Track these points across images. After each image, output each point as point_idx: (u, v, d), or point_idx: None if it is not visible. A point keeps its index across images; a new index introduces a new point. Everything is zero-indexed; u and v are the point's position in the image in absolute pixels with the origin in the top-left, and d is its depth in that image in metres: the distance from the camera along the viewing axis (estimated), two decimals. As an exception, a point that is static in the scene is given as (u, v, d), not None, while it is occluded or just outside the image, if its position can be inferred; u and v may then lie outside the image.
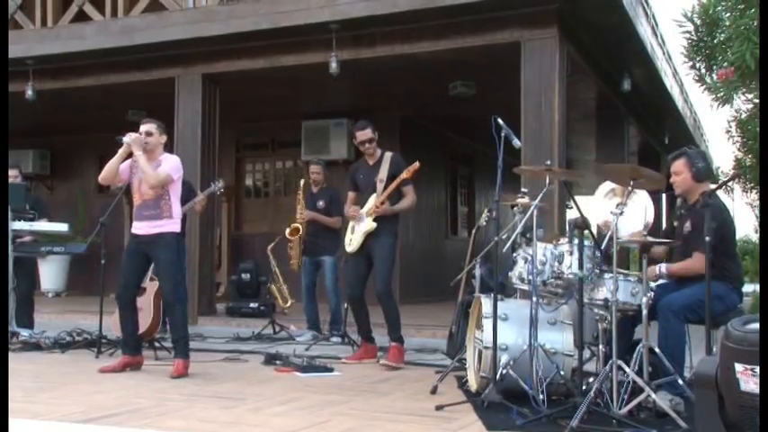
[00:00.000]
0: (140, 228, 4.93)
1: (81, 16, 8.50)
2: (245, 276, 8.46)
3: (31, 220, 6.09)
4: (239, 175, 11.38)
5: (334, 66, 7.30)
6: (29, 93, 8.52)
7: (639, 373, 3.58)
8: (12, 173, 6.64)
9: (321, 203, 6.76)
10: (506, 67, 7.02)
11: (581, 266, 3.64)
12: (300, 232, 6.65)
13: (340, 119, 10.02)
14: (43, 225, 6.25)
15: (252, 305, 8.24)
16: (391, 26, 7.16)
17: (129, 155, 4.93)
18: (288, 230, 6.72)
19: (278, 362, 5.20)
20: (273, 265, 7.64)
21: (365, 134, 5.34)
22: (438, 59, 7.52)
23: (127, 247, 5.13)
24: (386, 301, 5.19)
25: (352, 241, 5.32)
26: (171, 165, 4.96)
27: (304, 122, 10.23)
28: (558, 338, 3.98)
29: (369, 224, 5.24)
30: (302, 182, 6.88)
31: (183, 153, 7.82)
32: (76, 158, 12.02)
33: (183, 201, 6.48)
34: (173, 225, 4.93)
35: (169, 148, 5.32)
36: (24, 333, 5.93)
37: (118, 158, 4.91)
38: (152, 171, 4.86)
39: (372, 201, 5.27)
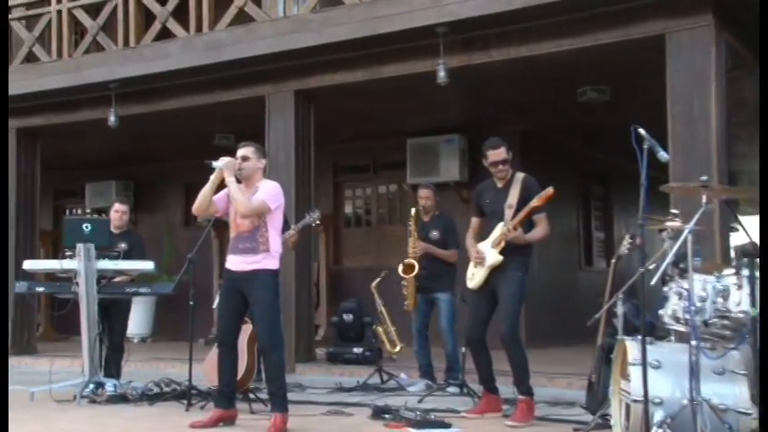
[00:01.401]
0: (235, 263, 5.05)
1: (164, 33, 8.95)
2: (348, 317, 8.54)
3: (116, 258, 6.42)
4: (338, 201, 11.57)
5: (442, 74, 7.33)
6: (112, 119, 9.03)
7: None
8: (121, 208, 7.03)
9: (435, 233, 6.76)
10: (647, 65, 6.82)
11: (753, 303, 3.45)
12: (416, 270, 6.66)
13: (451, 135, 10.02)
14: (127, 263, 6.56)
15: (355, 350, 8.31)
16: (507, 26, 7.12)
17: (224, 182, 5.08)
18: (401, 267, 6.74)
19: (387, 416, 5.21)
20: (379, 303, 7.68)
21: (499, 154, 5.30)
22: (563, 61, 7.40)
23: (222, 286, 5.29)
24: (512, 346, 5.12)
25: (475, 275, 5.29)
26: (267, 192, 5.07)
27: (409, 140, 10.30)
28: (729, 392, 3.78)
29: (494, 257, 5.20)
30: (413, 210, 6.88)
31: (275, 180, 7.99)
32: (161, 189, 12.61)
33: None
34: (270, 261, 5.02)
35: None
36: (110, 386, 6.22)
37: (210, 186, 5.07)
38: (243, 199, 4.98)
39: (498, 230, 5.23)
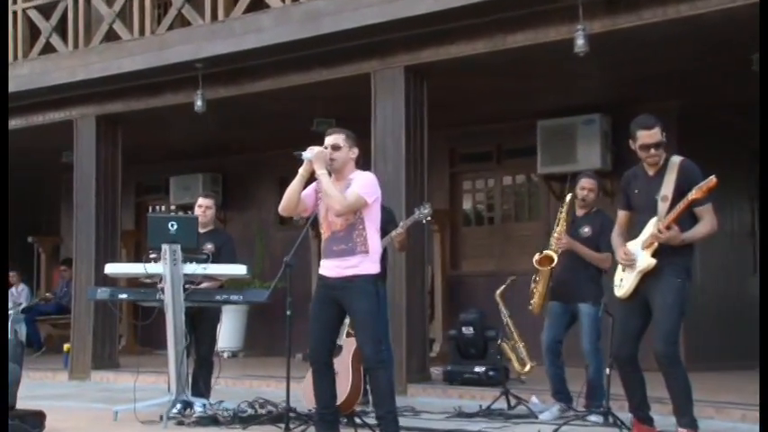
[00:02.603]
0: (329, 268, 5.10)
1: (257, 4, 9.09)
2: (468, 331, 8.49)
3: (205, 261, 6.56)
4: (455, 195, 11.52)
5: (580, 42, 7.17)
6: (198, 104, 9.25)
7: None
8: (205, 202, 7.21)
9: (587, 230, 6.64)
10: None
11: None
12: (554, 262, 6.56)
13: (590, 115, 9.81)
14: (218, 267, 6.69)
15: (477, 369, 8.25)
16: (662, -21, 6.92)
17: (313, 175, 5.12)
18: (537, 257, 6.64)
19: (517, 448, 5.15)
20: (505, 315, 7.61)
21: (651, 135, 5.11)
22: (734, 19, 7.09)
23: (315, 294, 5.33)
24: (670, 368, 4.95)
25: (623, 282, 5.14)
26: (363, 183, 5.08)
27: (540, 122, 10.16)
28: None
29: (645, 260, 5.04)
30: (569, 196, 6.76)
31: (383, 170, 8.07)
32: (253, 182, 12.87)
33: (383, 232, 6.68)
34: (370, 264, 5.04)
35: (364, 164, 5.48)
36: (199, 405, 6.39)
37: (298, 181, 5.11)
38: (338, 194, 5.00)
39: (651, 227, 5.05)
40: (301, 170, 5.10)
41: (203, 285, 6.77)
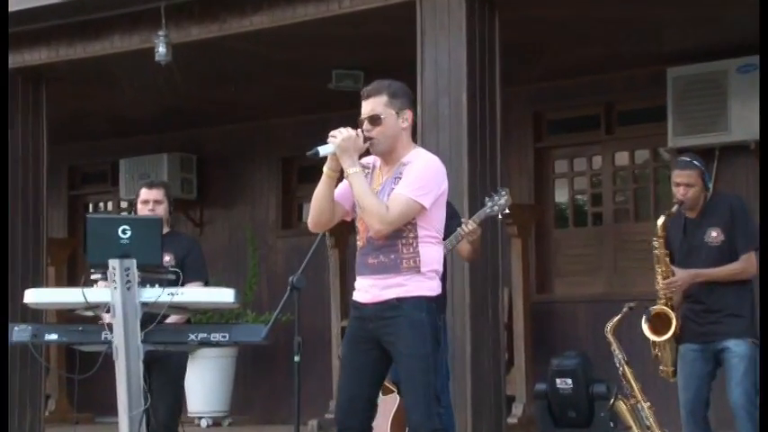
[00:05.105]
0: (363, 289, 5.13)
1: None
2: (564, 384, 8.52)
3: (174, 283, 6.61)
4: (543, 182, 11.51)
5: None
6: (161, 50, 9.27)
7: None
8: (151, 195, 7.23)
9: (714, 234, 6.65)
10: None
11: None
12: (673, 327, 6.66)
13: (748, 57, 9.72)
14: (193, 293, 6.74)
15: (580, 443, 8.31)
16: None
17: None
18: (646, 325, 6.75)
19: None
20: (620, 360, 7.60)
21: None
22: None
23: (347, 330, 5.35)
24: None
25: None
26: (416, 179, 5.04)
27: (670, 70, 10.16)
28: None
29: None
30: (661, 220, 6.80)
31: (435, 145, 8.03)
32: (242, 165, 12.90)
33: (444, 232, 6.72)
34: (423, 283, 5.05)
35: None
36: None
37: (326, 184, 5.11)
38: (376, 205, 5.00)
39: None
40: (326, 169, 5.10)
41: (172, 318, 6.82)
